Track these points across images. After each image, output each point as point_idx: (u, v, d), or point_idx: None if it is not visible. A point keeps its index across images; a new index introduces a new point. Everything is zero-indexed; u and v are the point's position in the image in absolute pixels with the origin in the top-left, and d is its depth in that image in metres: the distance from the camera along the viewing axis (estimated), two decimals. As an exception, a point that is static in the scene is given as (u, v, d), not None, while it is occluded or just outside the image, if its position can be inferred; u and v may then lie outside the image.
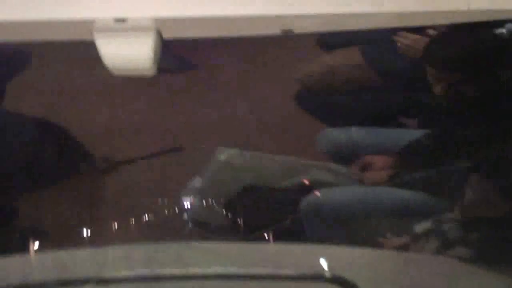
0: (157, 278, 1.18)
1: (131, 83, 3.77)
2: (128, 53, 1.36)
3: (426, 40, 2.64)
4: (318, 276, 1.21)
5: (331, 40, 3.25)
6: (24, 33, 1.39)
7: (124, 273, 1.17)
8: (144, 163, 3.43)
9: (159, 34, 1.37)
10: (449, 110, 2.49)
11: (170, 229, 2.77)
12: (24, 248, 2.02)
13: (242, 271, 1.23)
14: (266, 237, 2.58)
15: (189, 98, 3.88)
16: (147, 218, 2.75)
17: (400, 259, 1.72)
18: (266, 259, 1.39)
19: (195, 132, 3.68)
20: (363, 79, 3.08)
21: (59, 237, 2.61)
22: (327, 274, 1.21)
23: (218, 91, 3.90)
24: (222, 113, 3.72)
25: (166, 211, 2.80)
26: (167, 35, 1.39)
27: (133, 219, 2.76)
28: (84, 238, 2.63)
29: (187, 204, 2.79)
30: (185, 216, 2.75)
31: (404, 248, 2.14)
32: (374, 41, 3.16)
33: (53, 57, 3.66)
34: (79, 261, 1.27)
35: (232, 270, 1.23)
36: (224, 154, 2.73)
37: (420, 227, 2.15)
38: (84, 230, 2.78)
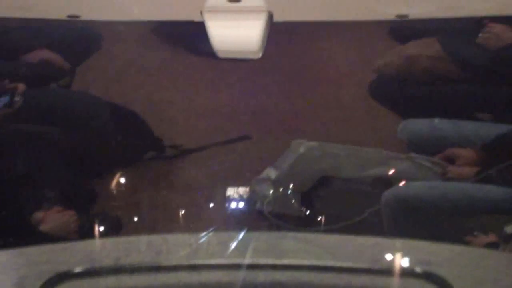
0: (250, 267, 1.12)
1: (203, 70, 3.74)
2: (238, 34, 1.31)
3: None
4: (409, 271, 1.14)
5: (408, 31, 3.18)
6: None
7: (217, 260, 1.12)
8: (213, 151, 3.39)
9: (270, 16, 1.32)
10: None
11: (243, 219, 2.73)
12: (113, 231, 2.00)
13: (336, 264, 1.18)
14: (343, 230, 2.52)
15: (262, 86, 3.84)
16: (219, 208, 2.71)
17: (491, 257, 1.65)
18: (349, 252, 1.33)
19: (267, 121, 3.62)
20: (442, 70, 3.01)
21: (133, 222, 2.58)
22: (418, 270, 1.14)
23: (290, 80, 3.85)
24: (296, 102, 3.66)
25: (238, 201, 2.75)
26: (277, 17, 1.34)
27: (203, 208, 2.72)
28: (152, 225, 2.60)
29: (261, 194, 2.74)
30: (259, 206, 2.70)
31: (493, 247, 2.06)
32: (453, 31, 3.08)
33: (125, 37, 3.64)
34: (171, 246, 1.23)
35: (326, 262, 1.17)
36: (303, 146, 2.67)
37: (511, 227, 2.07)
38: (151, 216, 2.75)
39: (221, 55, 1.35)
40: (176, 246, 1.24)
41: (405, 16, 1.31)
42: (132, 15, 1.39)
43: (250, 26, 1.29)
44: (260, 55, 1.33)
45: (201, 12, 1.30)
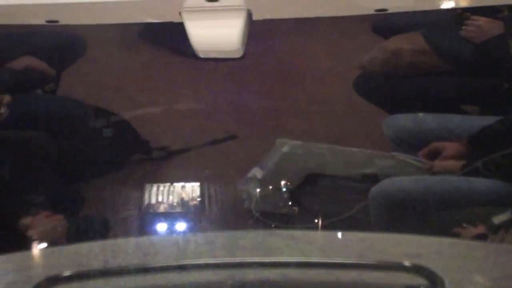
0: (239, 265, 1.13)
1: (187, 71, 3.75)
2: (218, 34, 1.32)
3: (497, 22, 2.57)
4: (398, 265, 1.15)
5: (391, 26, 3.18)
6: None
7: (205, 260, 1.13)
8: (201, 152, 3.39)
9: (249, 14, 1.32)
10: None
11: (231, 219, 2.73)
12: (101, 234, 2.00)
13: (324, 260, 1.18)
14: (332, 227, 2.53)
15: (246, 86, 3.84)
16: (206, 208, 2.72)
17: (480, 249, 1.65)
18: (337, 247, 1.33)
19: (253, 121, 3.63)
20: (427, 64, 3.01)
21: (119, 226, 2.58)
22: (407, 263, 1.15)
23: (274, 78, 3.85)
24: (280, 101, 3.67)
25: (227, 201, 2.76)
26: (256, 16, 1.34)
27: (190, 209, 2.72)
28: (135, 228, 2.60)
29: (248, 193, 2.74)
30: (247, 205, 2.71)
31: (482, 238, 2.07)
32: (436, 24, 3.09)
33: (108, 41, 3.65)
34: (159, 247, 1.23)
35: (314, 258, 1.18)
36: (286, 146, 2.68)
37: (498, 218, 2.07)
38: (140, 220, 2.75)
39: (202, 55, 1.36)
40: (163, 247, 1.24)
41: (384, 10, 1.31)
42: (111, 18, 1.39)
43: (229, 25, 1.30)
44: (241, 53, 1.33)
45: (179, 13, 1.30)
